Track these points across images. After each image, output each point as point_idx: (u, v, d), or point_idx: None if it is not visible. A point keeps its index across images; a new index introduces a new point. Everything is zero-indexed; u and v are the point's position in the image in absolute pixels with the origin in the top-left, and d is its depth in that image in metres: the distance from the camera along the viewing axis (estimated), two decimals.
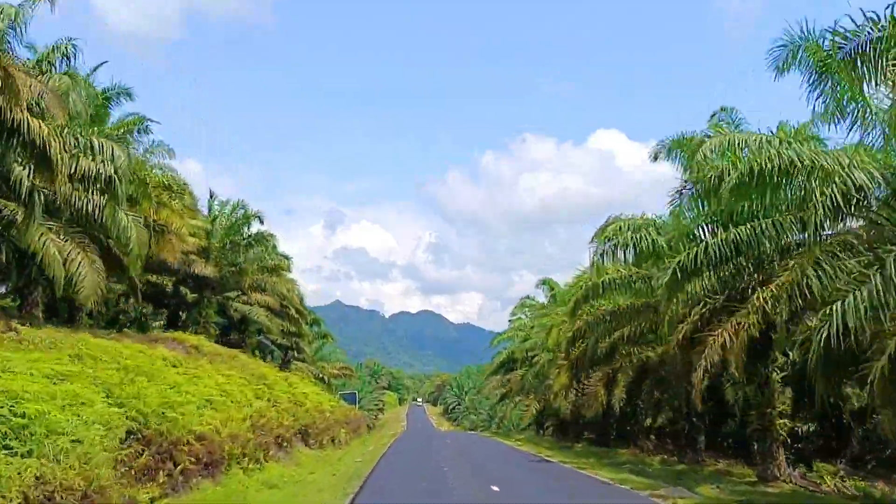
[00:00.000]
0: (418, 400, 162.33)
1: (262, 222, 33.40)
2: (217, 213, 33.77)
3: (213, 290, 31.92)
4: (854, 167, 12.48)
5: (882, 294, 10.43)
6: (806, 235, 14.07)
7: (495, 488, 16.69)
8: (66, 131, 16.01)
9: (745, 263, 16.95)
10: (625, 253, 19.25)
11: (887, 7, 11.55)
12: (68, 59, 19.01)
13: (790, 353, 19.48)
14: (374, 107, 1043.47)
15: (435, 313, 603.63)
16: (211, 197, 34.29)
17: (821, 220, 12.94)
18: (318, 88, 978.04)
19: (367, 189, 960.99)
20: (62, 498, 7.75)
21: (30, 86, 13.71)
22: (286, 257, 39.16)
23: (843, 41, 12.22)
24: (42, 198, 15.81)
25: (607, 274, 22.02)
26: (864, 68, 12.06)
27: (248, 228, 33.39)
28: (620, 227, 19.53)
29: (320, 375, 50.48)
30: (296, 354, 47.43)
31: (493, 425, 74.55)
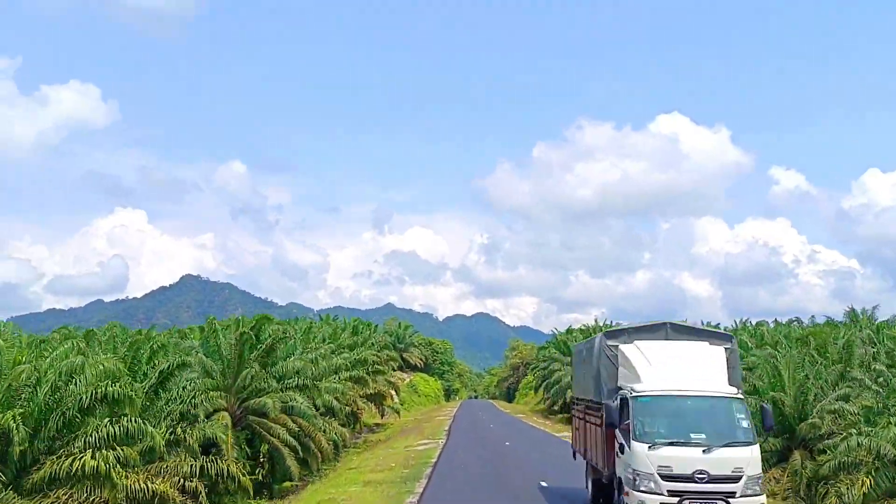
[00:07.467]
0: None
1: None
2: None
3: None
4: None
5: None
6: None
7: None
8: None
9: None
10: None
11: None
12: None
13: None
14: (420, 111, 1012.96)
15: (491, 316, 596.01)
16: None
17: None
18: (362, 94, 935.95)
19: (416, 195, 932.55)
20: None
21: None
22: None
23: None
24: None
25: None
26: None
27: None
28: None
29: None
30: None
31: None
